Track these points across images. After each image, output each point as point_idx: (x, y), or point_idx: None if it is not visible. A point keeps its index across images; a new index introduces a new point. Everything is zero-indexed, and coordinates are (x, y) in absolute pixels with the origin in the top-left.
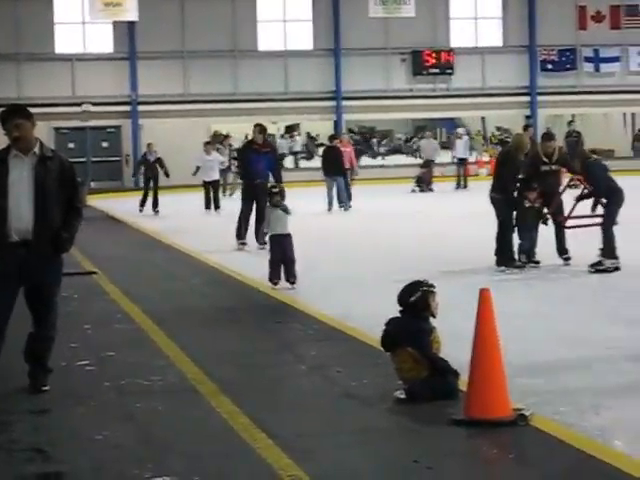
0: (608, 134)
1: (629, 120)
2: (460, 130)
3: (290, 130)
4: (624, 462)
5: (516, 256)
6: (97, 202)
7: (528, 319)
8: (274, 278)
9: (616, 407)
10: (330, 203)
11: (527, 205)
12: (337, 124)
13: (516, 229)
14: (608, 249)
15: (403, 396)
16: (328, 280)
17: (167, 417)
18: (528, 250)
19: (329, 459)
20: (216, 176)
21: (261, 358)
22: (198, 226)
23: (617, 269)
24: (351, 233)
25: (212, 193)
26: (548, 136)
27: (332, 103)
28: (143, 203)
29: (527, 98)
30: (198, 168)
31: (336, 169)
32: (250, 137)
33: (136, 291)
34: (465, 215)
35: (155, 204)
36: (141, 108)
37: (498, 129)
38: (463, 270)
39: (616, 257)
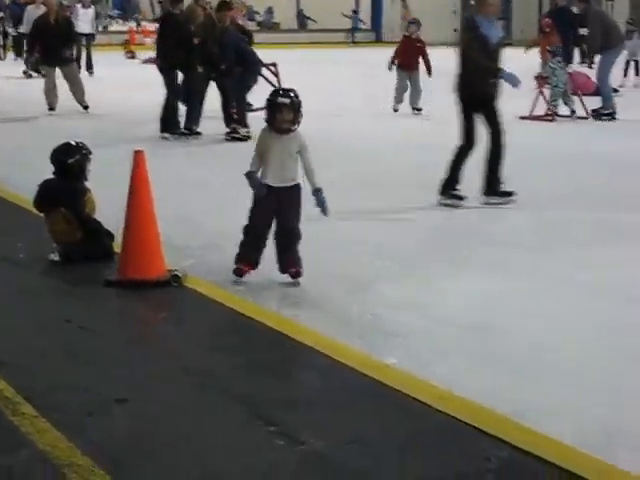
0: (274, 4)
1: None
2: None
3: None
4: (270, 318)
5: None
6: None
7: (187, 185)
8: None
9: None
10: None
11: (200, 70)
12: None
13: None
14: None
15: (57, 258)
16: None
17: None
18: (198, 117)
19: None
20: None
21: None
22: None
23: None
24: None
25: None
26: (226, 5)
27: None
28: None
29: None
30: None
31: None
32: None
33: None
34: (135, 85)
35: None
36: None
37: None
38: (127, 138)
39: (247, 126)
